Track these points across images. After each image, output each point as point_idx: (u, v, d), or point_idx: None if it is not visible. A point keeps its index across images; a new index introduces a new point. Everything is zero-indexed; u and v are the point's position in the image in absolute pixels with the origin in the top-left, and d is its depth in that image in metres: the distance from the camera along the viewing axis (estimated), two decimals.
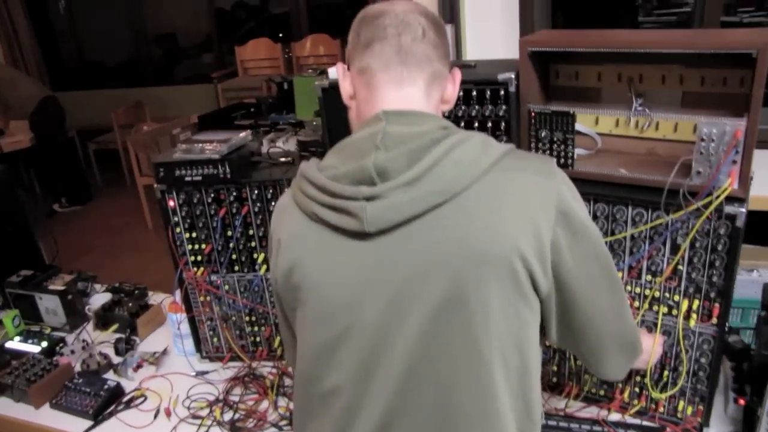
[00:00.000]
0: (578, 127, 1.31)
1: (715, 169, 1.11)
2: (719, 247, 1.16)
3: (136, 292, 2.01)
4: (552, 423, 1.35)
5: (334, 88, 1.34)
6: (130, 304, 1.90)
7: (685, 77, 1.23)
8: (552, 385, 1.46)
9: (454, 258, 0.84)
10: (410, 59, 0.91)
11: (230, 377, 1.63)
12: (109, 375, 1.68)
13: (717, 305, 1.20)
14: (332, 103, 1.39)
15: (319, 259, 0.90)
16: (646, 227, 1.21)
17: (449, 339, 0.85)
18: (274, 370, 1.63)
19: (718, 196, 1.11)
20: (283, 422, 1.47)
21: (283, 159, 1.58)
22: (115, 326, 1.86)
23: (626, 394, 1.38)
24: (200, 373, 1.67)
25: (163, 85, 6.81)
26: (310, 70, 4.38)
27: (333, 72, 1.40)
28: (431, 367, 0.86)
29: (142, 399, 1.58)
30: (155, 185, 1.51)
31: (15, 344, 1.80)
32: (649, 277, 1.26)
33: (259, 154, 1.62)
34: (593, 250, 0.92)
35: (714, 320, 1.22)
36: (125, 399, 1.58)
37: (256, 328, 1.67)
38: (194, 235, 1.56)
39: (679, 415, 1.33)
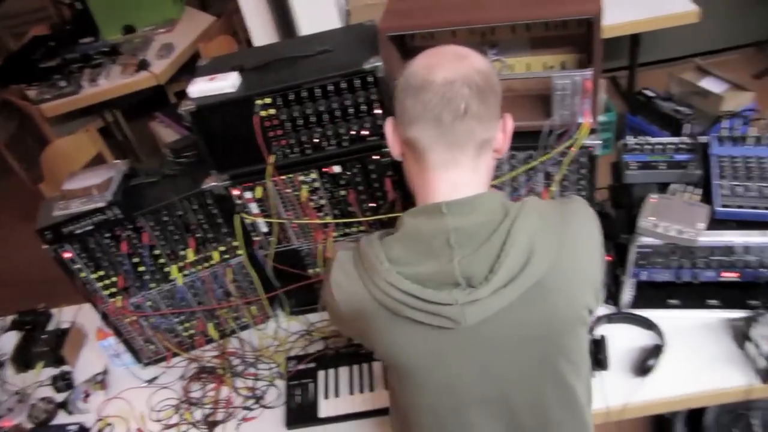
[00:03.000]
0: None
1: (573, 115, 1.29)
2: (583, 171, 1.40)
3: (41, 318, 1.93)
4: None
5: (203, 108, 1.32)
6: (45, 337, 1.84)
7: (531, 26, 1.35)
8: None
9: (541, 328, 0.98)
10: (452, 140, 0.93)
11: (181, 375, 1.72)
12: (62, 417, 1.69)
13: None
14: (206, 124, 1.36)
15: (411, 347, 0.99)
16: (531, 165, 1.39)
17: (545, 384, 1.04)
18: (217, 353, 1.74)
19: (579, 135, 1.31)
20: (251, 401, 1.62)
21: (169, 171, 1.52)
22: (40, 364, 1.81)
23: None
24: (150, 381, 1.74)
25: None
26: None
27: (195, 90, 1.33)
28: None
29: (109, 429, 1.64)
30: (44, 247, 1.43)
31: None
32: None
33: (134, 174, 1.53)
34: None
35: None
36: None
37: (187, 324, 1.73)
38: (101, 273, 1.52)
39: None
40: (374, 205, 1.52)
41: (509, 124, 1.03)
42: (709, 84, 2.92)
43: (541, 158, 1.36)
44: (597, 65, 1.24)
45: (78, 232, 1.41)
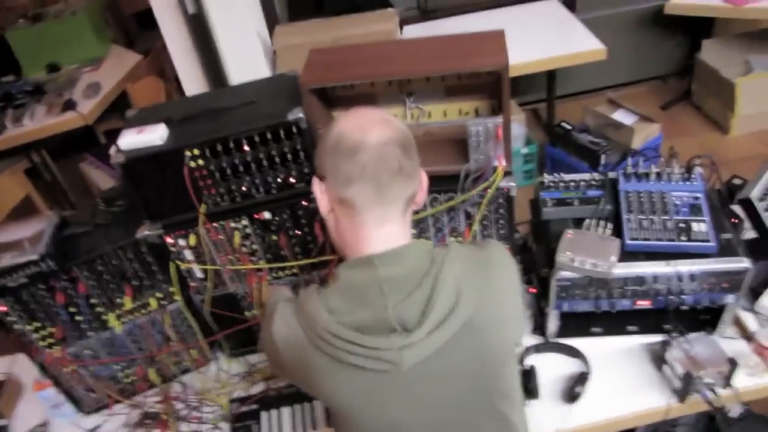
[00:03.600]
0: None
1: (488, 160, 1.38)
2: (501, 211, 1.48)
3: None
4: None
5: (133, 161, 1.36)
6: None
7: (445, 76, 1.43)
8: None
9: (474, 364, 1.04)
10: (389, 197, 1.01)
11: (124, 423, 1.72)
12: None
13: (507, 248, 1.55)
14: (137, 175, 1.40)
15: (353, 392, 1.04)
16: (450, 204, 1.47)
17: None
18: (160, 398, 1.75)
19: (495, 178, 1.40)
20: None
21: (101, 221, 1.55)
22: None
23: None
24: (93, 430, 1.73)
25: None
26: (21, 20, 3.71)
27: (125, 143, 1.37)
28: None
29: None
30: None
31: None
32: (452, 239, 1.56)
33: (66, 224, 1.55)
34: None
35: None
36: None
37: (128, 371, 1.74)
38: (37, 324, 1.53)
39: None
40: (305, 248, 1.57)
41: (425, 179, 1.13)
42: (620, 116, 3.14)
43: (460, 199, 1.44)
44: (506, 113, 1.33)
45: (11, 285, 1.42)
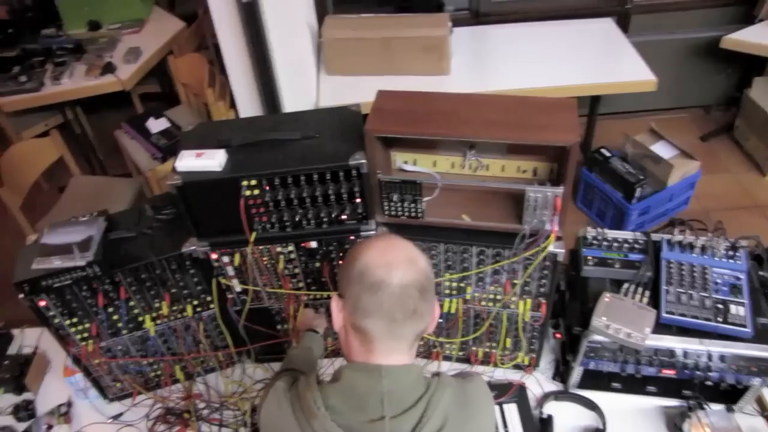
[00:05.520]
0: (419, 168, 1.49)
1: (544, 227, 1.38)
2: (546, 272, 1.49)
3: (1, 339, 1.95)
4: None
5: (189, 184, 1.36)
6: (7, 363, 1.86)
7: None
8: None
9: None
10: (400, 334, 1.06)
11: (146, 414, 1.77)
12: None
13: (544, 303, 1.58)
14: (191, 198, 1.40)
15: None
16: (503, 263, 1.49)
17: None
18: (183, 395, 1.79)
19: (546, 245, 1.40)
20: None
21: (146, 230, 1.56)
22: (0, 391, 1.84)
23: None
24: (116, 417, 1.78)
25: None
26: None
27: (182, 165, 1.37)
28: None
29: None
30: (21, 296, 1.46)
31: None
32: (492, 288, 1.58)
33: (112, 226, 1.56)
34: None
35: (541, 311, 1.60)
36: None
37: (155, 365, 1.78)
38: (75, 320, 1.56)
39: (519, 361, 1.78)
40: None
41: (437, 311, 1.16)
42: (660, 149, 3.10)
43: (509, 261, 1.45)
44: (568, 186, 1.33)
45: (56, 285, 1.45)
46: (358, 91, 2.77)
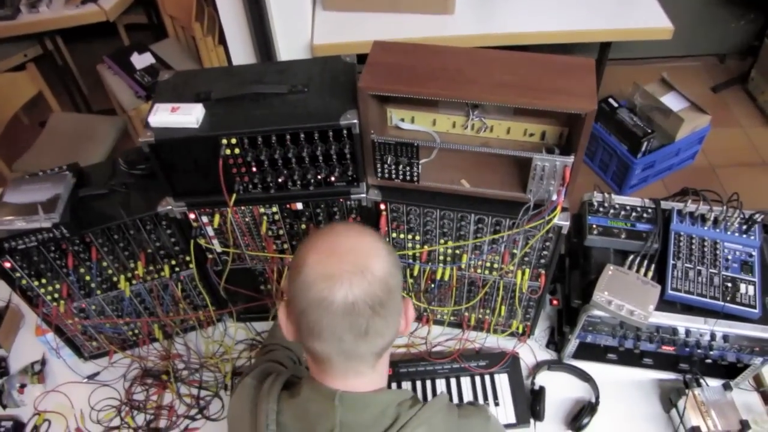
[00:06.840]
0: (417, 126, 1.36)
1: (550, 198, 1.27)
2: (548, 243, 1.39)
3: None
4: (420, 368, 1.66)
5: (164, 142, 1.23)
6: None
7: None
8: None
9: None
10: (354, 355, 0.90)
11: (123, 374, 1.70)
12: None
13: (543, 274, 1.49)
14: (166, 156, 1.28)
15: None
16: (503, 234, 1.39)
17: None
18: (161, 355, 1.72)
19: (551, 217, 1.29)
20: (194, 411, 1.63)
21: (119, 187, 1.44)
22: None
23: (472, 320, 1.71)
24: (91, 377, 1.72)
25: None
26: None
27: (156, 121, 1.23)
28: None
29: (46, 425, 1.63)
30: None
31: None
32: (489, 257, 1.48)
33: (82, 182, 1.44)
34: None
35: (540, 281, 1.51)
36: (29, 431, 1.62)
37: (132, 325, 1.69)
38: (44, 281, 1.46)
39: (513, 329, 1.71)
40: None
41: (410, 310, 1.00)
42: (670, 101, 2.95)
43: (511, 231, 1.34)
44: (579, 156, 1.21)
45: (21, 247, 1.34)
46: (355, 29, 2.62)
